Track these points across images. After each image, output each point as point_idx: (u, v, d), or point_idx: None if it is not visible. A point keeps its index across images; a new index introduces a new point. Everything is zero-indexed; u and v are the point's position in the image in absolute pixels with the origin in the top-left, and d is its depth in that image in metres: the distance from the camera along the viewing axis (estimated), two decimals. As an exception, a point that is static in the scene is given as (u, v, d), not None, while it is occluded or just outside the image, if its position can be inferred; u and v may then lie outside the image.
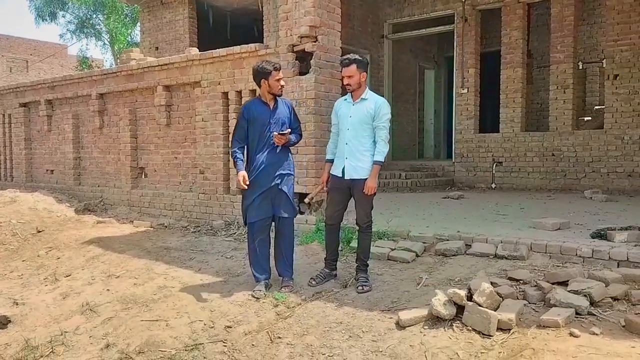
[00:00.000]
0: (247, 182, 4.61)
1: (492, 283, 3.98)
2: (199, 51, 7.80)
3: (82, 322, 4.46)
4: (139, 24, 15.91)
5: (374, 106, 4.49)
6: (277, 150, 4.68)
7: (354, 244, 5.57)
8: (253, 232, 4.76)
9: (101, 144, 9.43)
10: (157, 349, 3.84)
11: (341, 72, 4.54)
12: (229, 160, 7.43)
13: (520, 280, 4.25)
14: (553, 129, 10.52)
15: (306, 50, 6.25)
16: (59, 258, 6.34)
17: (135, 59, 8.63)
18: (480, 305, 3.58)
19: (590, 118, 11.79)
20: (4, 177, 11.66)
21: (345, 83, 4.54)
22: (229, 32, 13.53)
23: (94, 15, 27.62)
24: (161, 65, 8.03)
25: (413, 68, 14.24)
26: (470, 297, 3.72)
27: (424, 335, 3.59)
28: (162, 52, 13.04)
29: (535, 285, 4.07)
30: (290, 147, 4.86)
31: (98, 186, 9.51)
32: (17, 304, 4.99)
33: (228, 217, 7.38)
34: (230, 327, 4.09)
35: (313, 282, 4.70)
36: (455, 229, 5.65)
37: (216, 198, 7.57)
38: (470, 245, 5.19)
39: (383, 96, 12.53)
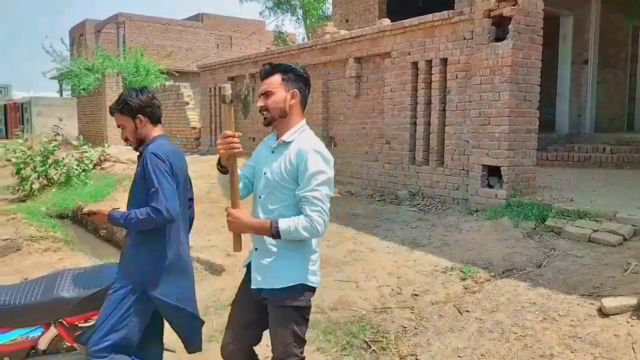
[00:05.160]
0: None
1: None
2: (390, 21, 7.84)
3: (282, 276, 4.93)
4: (330, -3, 16.44)
5: (296, 159, 2.44)
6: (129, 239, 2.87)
7: (550, 222, 5.23)
8: None
9: (296, 114, 10.09)
10: (349, 307, 4.09)
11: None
12: (415, 131, 7.44)
13: None
14: None
15: (504, 14, 5.91)
16: (260, 217, 7.02)
17: (329, 33, 9.01)
18: None
19: None
20: (214, 143, 13.15)
21: (259, 105, 2.55)
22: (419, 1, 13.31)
23: (290, -9, 29.20)
24: (353, 37, 8.27)
25: (625, 29, 12.56)
26: (694, 291, 3.27)
27: (632, 325, 3.27)
28: (352, 24, 13.36)
29: None
30: (152, 235, 2.75)
31: (292, 153, 10.23)
32: (229, 255, 5.67)
33: (412, 187, 7.42)
34: (417, 296, 4.18)
35: None
36: (675, 213, 4.96)
37: (401, 168, 7.66)
38: (693, 232, 4.53)
39: (585, 62, 11.40)
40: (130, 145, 2.94)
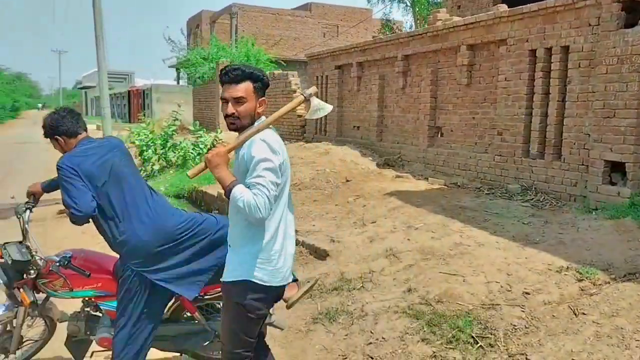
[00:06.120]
0: None
1: None
2: (507, 7, 7.51)
3: (386, 265, 4.94)
4: (441, -17, 16.00)
5: (246, 151, 2.49)
6: None
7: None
8: None
9: (402, 104, 10.01)
10: (455, 301, 4.02)
11: (222, 92, 2.60)
12: (530, 122, 7.11)
13: None
14: None
15: (637, -2, 5.45)
16: (364, 206, 7.07)
17: (441, 20, 8.80)
18: None
19: None
20: (319, 131, 13.40)
21: (227, 113, 2.55)
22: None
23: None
24: (466, 24, 8.02)
25: None
26: None
27: None
28: (464, 10, 12.95)
29: None
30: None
31: (397, 143, 10.17)
32: (333, 241, 5.79)
33: (525, 181, 7.11)
34: (529, 294, 4.01)
35: None
36: None
37: (513, 161, 7.35)
38: None
39: None
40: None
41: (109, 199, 3.02)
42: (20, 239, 3.35)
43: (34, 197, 3.47)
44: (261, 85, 2.58)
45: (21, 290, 3.30)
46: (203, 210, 10.03)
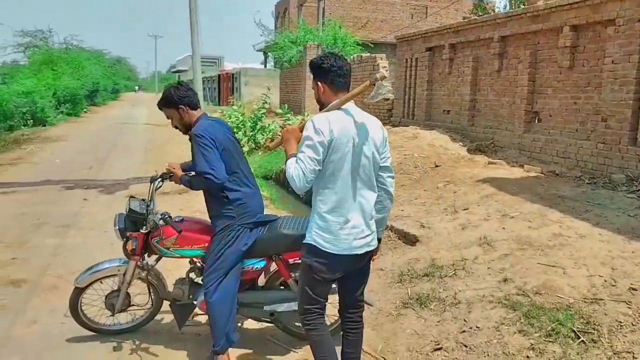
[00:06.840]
0: None
1: None
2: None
3: (480, 253, 4.83)
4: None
5: None
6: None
7: None
8: None
9: (497, 87, 9.64)
10: (554, 293, 3.87)
11: None
12: (639, 108, 6.63)
13: None
14: None
15: None
16: (455, 192, 6.93)
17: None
18: None
19: None
20: (406, 115, 13.23)
21: None
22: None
23: (493, -44, 27.51)
24: (570, 4, 7.56)
25: None
26: None
27: None
28: (566, -12, 12.20)
29: None
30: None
31: (490, 128, 9.84)
32: (423, 227, 5.74)
33: (631, 171, 6.67)
34: (636, 290, 3.79)
35: None
36: None
37: (618, 149, 6.90)
38: None
39: None
40: (180, 131, 3.57)
41: (233, 168, 3.38)
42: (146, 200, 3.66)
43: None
44: (314, 71, 2.83)
45: (129, 240, 3.61)
46: (291, 192, 10.26)
